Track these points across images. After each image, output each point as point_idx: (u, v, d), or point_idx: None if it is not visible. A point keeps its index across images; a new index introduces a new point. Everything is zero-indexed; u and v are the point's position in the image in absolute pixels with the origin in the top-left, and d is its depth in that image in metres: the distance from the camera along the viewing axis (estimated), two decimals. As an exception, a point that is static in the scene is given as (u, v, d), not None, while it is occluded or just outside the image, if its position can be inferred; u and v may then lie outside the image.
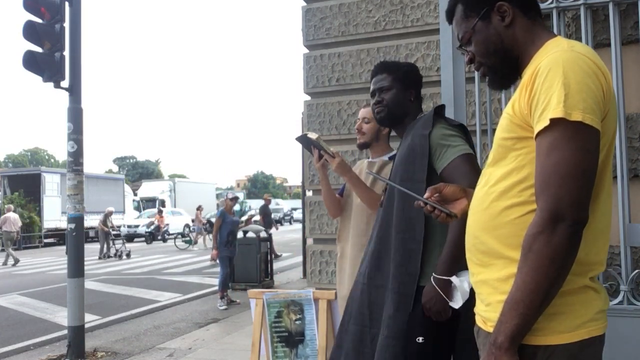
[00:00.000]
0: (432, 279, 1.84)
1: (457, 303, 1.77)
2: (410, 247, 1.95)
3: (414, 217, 1.94)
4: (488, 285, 1.29)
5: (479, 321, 1.35)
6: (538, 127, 1.16)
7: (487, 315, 1.29)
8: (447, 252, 1.82)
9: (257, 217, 15.69)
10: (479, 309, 1.34)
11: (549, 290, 1.12)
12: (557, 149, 1.13)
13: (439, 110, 2.10)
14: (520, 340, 1.16)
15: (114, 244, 17.41)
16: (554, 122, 1.13)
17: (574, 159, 1.12)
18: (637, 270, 2.35)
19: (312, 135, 2.63)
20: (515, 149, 1.25)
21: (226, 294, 8.22)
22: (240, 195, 51.19)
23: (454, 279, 1.76)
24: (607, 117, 1.20)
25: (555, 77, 1.15)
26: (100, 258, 16.80)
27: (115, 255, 16.89)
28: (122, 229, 26.58)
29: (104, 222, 17.33)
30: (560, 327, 1.18)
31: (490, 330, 1.24)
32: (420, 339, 1.83)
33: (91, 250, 19.60)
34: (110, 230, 17.51)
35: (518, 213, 1.22)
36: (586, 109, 1.12)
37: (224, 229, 8.15)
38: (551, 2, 2.52)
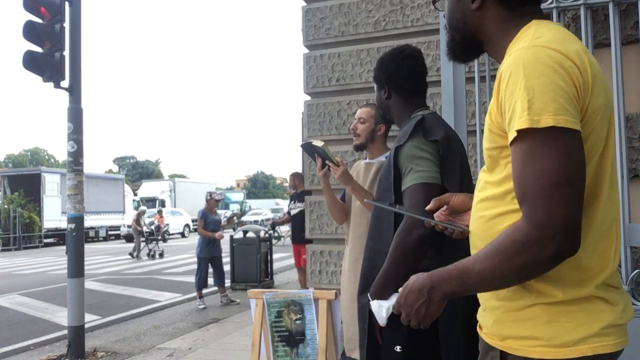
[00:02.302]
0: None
1: (382, 323, 1.75)
2: (375, 257, 1.92)
3: (385, 229, 1.91)
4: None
5: (478, 326, 1.30)
6: (509, 138, 1.06)
7: (482, 321, 1.24)
8: (379, 275, 1.77)
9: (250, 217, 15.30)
10: (479, 313, 1.28)
11: (503, 287, 1.11)
12: (533, 159, 1.02)
13: (421, 121, 1.88)
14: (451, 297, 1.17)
15: (147, 243, 16.79)
16: (521, 132, 1.02)
17: (556, 167, 1.00)
18: (637, 270, 2.35)
19: (317, 143, 2.61)
20: (502, 157, 1.15)
21: (226, 294, 8.22)
22: (240, 196, 51.16)
23: (373, 303, 1.74)
24: (591, 109, 1.07)
25: (517, 80, 1.04)
26: (132, 257, 16.32)
27: (148, 255, 16.38)
28: (122, 228, 26.62)
29: (137, 221, 16.81)
30: (557, 341, 1.06)
31: (485, 337, 1.20)
32: (398, 348, 1.78)
33: (91, 250, 19.63)
34: (144, 229, 16.92)
35: (511, 220, 1.12)
36: (558, 110, 1.00)
37: (206, 228, 8.09)
38: (551, 2, 2.52)
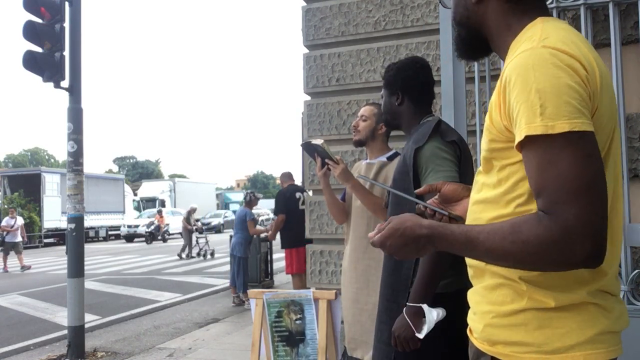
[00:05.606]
0: (404, 308, 1.79)
1: (422, 333, 1.71)
2: (395, 264, 1.94)
3: None
4: (477, 293, 1.20)
5: (468, 329, 1.26)
6: (517, 141, 1.02)
7: (472, 325, 1.21)
8: (419, 281, 1.77)
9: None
10: (469, 317, 1.25)
11: (501, 265, 1.07)
12: (552, 165, 0.97)
13: (438, 124, 1.99)
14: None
15: (197, 242, 15.98)
16: (534, 138, 0.98)
17: (578, 171, 0.96)
18: (637, 270, 2.35)
19: (317, 142, 2.62)
20: (500, 159, 1.13)
21: (238, 295, 8.19)
22: (240, 196, 51.10)
23: (424, 306, 1.72)
24: (599, 113, 1.03)
25: (526, 83, 1.00)
26: (182, 258, 15.55)
27: (198, 254, 15.71)
28: (122, 228, 26.60)
29: (187, 219, 15.93)
30: (548, 347, 1.04)
31: (475, 342, 1.18)
32: None
33: (91, 250, 19.63)
34: (194, 228, 16.20)
35: None
36: (572, 114, 0.96)
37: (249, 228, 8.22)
38: (551, 2, 2.52)
